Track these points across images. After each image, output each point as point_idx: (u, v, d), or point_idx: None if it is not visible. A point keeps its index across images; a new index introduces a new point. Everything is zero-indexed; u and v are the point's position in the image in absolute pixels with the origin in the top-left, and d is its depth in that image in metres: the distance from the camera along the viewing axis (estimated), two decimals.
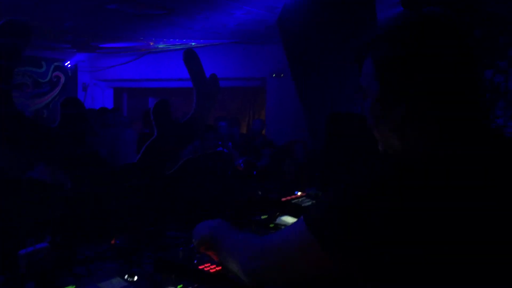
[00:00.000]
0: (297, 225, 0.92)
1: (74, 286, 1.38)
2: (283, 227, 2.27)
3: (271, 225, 2.24)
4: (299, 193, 2.52)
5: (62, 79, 10.45)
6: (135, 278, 1.49)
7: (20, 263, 1.63)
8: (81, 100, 2.36)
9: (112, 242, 2.04)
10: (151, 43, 8.46)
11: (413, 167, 0.83)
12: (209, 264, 1.59)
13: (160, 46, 8.79)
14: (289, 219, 2.32)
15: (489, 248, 0.81)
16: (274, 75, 8.20)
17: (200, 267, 1.58)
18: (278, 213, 2.32)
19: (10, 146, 2.14)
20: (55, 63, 10.27)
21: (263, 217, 2.30)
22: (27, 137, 2.10)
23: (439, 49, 0.88)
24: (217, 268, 1.58)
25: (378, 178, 0.84)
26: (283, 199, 2.40)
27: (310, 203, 2.39)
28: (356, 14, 4.51)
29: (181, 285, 1.45)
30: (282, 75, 7.87)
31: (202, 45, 8.10)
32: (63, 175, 2.27)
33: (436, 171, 0.82)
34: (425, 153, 0.88)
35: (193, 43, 8.19)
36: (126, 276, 1.48)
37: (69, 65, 10.51)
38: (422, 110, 0.89)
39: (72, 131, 2.21)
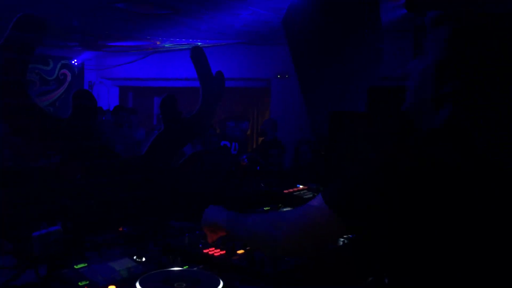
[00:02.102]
0: (314, 200, 1.09)
1: (86, 264, 1.46)
2: None
3: None
4: (300, 186, 2.59)
5: (69, 77, 10.55)
6: (143, 259, 1.57)
7: (33, 245, 1.70)
8: (92, 93, 2.44)
9: (120, 229, 2.12)
10: (158, 43, 8.56)
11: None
12: (213, 249, 1.67)
13: (167, 45, 8.88)
14: None
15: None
16: (279, 76, 8.27)
17: (205, 251, 1.66)
18: (280, 205, 2.39)
19: (24, 136, 2.23)
20: (62, 61, 10.38)
21: (265, 208, 2.37)
22: (40, 127, 2.18)
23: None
24: (221, 252, 1.66)
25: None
26: (285, 191, 2.47)
27: (311, 195, 2.46)
28: (361, 16, 4.59)
29: (187, 266, 1.52)
30: (287, 76, 7.94)
31: (208, 45, 8.19)
32: (73, 165, 2.35)
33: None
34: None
35: (199, 43, 8.28)
36: (135, 257, 1.56)
37: (76, 63, 10.62)
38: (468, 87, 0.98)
39: (83, 122, 2.29)
